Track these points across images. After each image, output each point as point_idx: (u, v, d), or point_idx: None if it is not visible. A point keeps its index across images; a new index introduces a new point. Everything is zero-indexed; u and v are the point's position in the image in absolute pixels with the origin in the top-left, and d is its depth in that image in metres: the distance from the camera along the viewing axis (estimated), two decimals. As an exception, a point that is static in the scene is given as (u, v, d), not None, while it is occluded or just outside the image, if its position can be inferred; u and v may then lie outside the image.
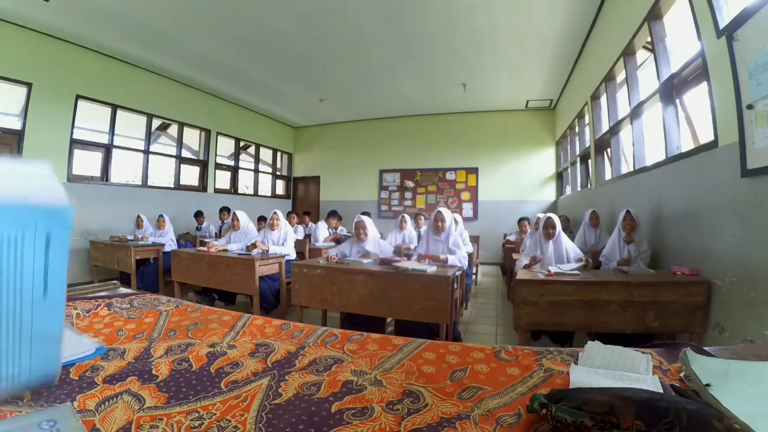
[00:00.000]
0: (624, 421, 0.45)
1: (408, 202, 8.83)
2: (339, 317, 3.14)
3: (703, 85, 2.46)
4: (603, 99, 4.76)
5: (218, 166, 7.72)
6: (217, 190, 7.68)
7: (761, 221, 1.88)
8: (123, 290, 1.41)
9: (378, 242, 3.33)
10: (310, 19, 4.55)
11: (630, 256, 2.84)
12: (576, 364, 0.72)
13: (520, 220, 5.49)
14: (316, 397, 0.64)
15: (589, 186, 5.48)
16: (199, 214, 6.30)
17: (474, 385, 0.68)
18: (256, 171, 9.02)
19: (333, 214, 5.41)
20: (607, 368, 0.69)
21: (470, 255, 4.30)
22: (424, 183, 8.72)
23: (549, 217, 2.96)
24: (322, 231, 5.08)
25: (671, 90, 2.98)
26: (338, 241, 4.82)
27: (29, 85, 4.58)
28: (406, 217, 4.53)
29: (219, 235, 5.94)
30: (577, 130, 6.13)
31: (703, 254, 2.38)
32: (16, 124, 4.56)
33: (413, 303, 2.61)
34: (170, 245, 4.77)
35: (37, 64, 4.64)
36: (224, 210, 6.34)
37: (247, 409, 0.59)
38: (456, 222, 4.60)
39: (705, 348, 0.77)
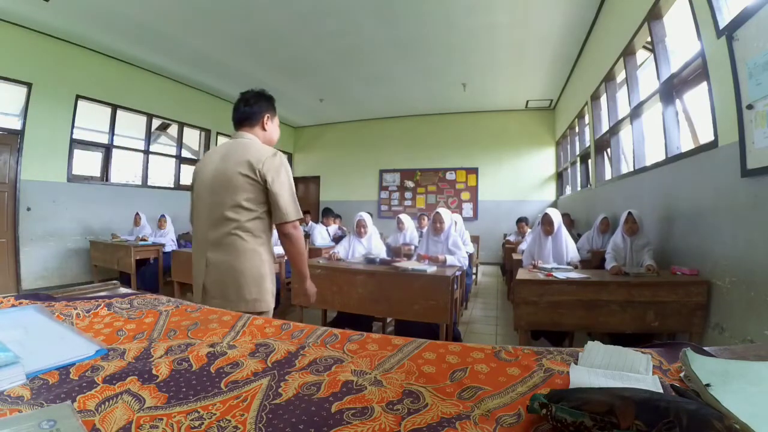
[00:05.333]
0: (624, 421, 0.45)
1: (408, 202, 8.82)
2: (335, 317, 3.14)
3: (703, 85, 2.46)
4: (603, 99, 4.76)
5: (218, 166, 7.72)
6: (217, 190, 7.67)
7: (761, 221, 1.88)
8: (123, 290, 1.41)
9: (373, 240, 3.45)
10: (310, 19, 4.54)
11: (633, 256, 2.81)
12: (576, 364, 0.72)
13: (519, 221, 5.49)
14: (316, 397, 0.64)
15: (589, 186, 5.48)
16: None
17: (474, 385, 0.68)
18: (256, 171, 9.01)
19: (328, 212, 5.36)
20: (607, 368, 0.69)
21: (470, 255, 4.30)
22: (424, 183, 8.71)
23: (546, 214, 2.94)
24: (320, 233, 5.06)
25: (671, 90, 2.98)
26: (339, 240, 4.82)
27: (29, 85, 4.58)
28: (402, 217, 4.51)
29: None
30: (577, 130, 6.13)
31: (703, 254, 2.38)
32: (16, 124, 4.56)
33: (413, 303, 2.61)
34: (170, 245, 4.77)
35: (37, 64, 4.64)
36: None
37: (247, 409, 0.59)
38: (455, 222, 4.62)
39: (705, 348, 0.77)
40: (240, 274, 1.41)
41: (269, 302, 1.45)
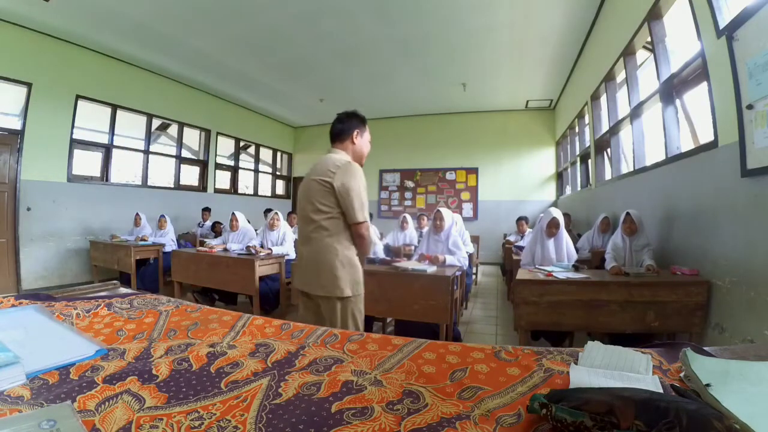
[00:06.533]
0: (624, 421, 0.45)
1: (408, 202, 8.82)
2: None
3: (703, 85, 2.45)
4: (603, 99, 4.76)
5: (218, 166, 7.72)
6: (217, 190, 7.67)
7: (761, 221, 1.88)
8: (123, 290, 1.41)
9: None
10: (311, 19, 4.54)
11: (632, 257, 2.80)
12: (576, 364, 0.72)
13: (519, 220, 5.49)
14: (316, 397, 0.64)
15: (589, 186, 5.48)
16: (206, 210, 6.29)
17: (474, 385, 0.68)
18: (256, 171, 9.02)
19: None
20: (607, 368, 0.69)
21: (470, 255, 4.30)
22: (424, 183, 8.71)
23: (554, 217, 2.93)
24: None
25: (671, 90, 2.98)
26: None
27: (29, 85, 4.58)
28: (407, 217, 4.53)
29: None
30: (577, 130, 6.13)
31: (703, 254, 2.38)
32: (16, 124, 4.56)
33: (413, 303, 2.61)
34: (170, 245, 4.77)
35: (37, 64, 4.64)
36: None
37: (247, 409, 0.59)
38: (456, 223, 4.63)
39: (705, 348, 0.77)
40: (318, 264, 1.67)
41: (344, 289, 1.67)
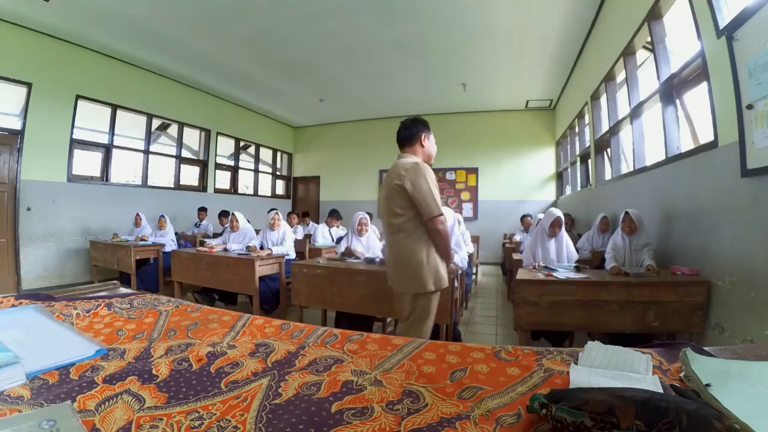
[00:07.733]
0: (624, 421, 0.45)
1: (408, 202, 8.82)
2: (335, 317, 3.14)
3: (703, 85, 2.45)
4: (603, 99, 4.76)
5: (218, 166, 7.72)
6: (217, 190, 7.67)
7: (761, 221, 1.88)
8: (123, 290, 1.41)
9: (371, 239, 3.51)
10: (310, 19, 4.54)
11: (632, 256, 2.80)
12: (576, 364, 0.72)
13: (523, 217, 5.48)
14: (316, 397, 0.64)
15: (589, 186, 5.48)
16: (202, 210, 6.29)
17: (474, 385, 0.68)
18: (256, 171, 9.02)
19: (333, 213, 5.42)
20: (607, 368, 0.69)
21: (470, 255, 4.30)
22: (424, 183, 8.71)
23: (558, 216, 2.93)
24: (321, 233, 5.08)
25: (671, 90, 2.98)
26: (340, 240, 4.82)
27: (29, 85, 4.58)
28: None
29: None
30: (577, 130, 6.12)
31: (703, 254, 2.38)
32: (16, 124, 4.56)
33: (413, 303, 2.60)
34: (170, 245, 4.77)
35: (37, 64, 4.64)
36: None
37: (247, 409, 0.59)
38: (459, 223, 4.63)
39: (705, 348, 0.77)
40: (401, 263, 1.81)
41: (425, 285, 1.78)
